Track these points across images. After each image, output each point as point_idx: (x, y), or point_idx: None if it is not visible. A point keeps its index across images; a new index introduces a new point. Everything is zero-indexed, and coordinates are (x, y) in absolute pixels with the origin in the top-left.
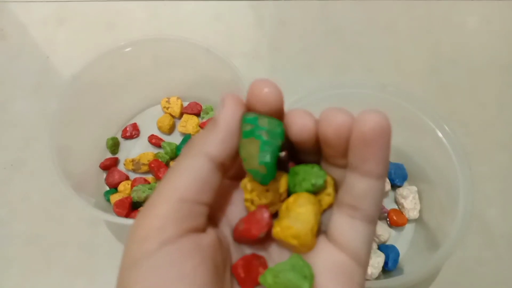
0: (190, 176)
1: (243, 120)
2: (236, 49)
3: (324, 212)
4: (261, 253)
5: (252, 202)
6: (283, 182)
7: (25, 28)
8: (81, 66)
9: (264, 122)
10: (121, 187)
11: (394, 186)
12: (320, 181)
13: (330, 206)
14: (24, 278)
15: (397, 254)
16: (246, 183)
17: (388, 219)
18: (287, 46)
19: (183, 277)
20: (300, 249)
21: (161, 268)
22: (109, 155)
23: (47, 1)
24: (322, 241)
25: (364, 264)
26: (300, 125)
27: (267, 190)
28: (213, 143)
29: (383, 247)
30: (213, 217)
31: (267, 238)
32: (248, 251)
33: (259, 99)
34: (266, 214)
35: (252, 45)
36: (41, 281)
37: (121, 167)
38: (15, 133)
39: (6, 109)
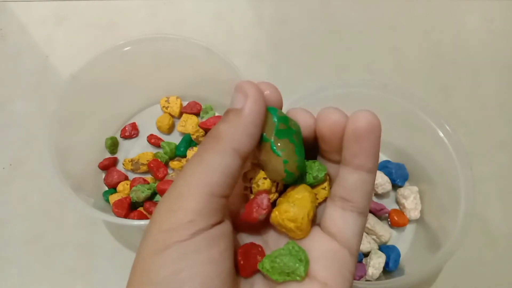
0: (221, 173)
1: (274, 117)
2: (236, 48)
3: (319, 205)
4: (259, 242)
5: (250, 190)
6: None
7: (25, 28)
8: (81, 66)
9: (292, 123)
10: (120, 187)
11: (395, 186)
12: (321, 174)
13: (325, 200)
14: (23, 278)
15: (398, 254)
16: (247, 173)
17: (389, 220)
18: (287, 45)
19: (211, 261)
20: (296, 233)
21: (190, 253)
22: (108, 155)
23: (46, 1)
24: (317, 231)
25: (355, 253)
26: (301, 123)
27: (265, 178)
28: (242, 139)
29: (384, 248)
30: None
31: (264, 227)
32: (246, 240)
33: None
34: (266, 199)
35: (252, 44)
36: (40, 281)
37: (120, 167)
38: (14, 133)
39: (5, 108)
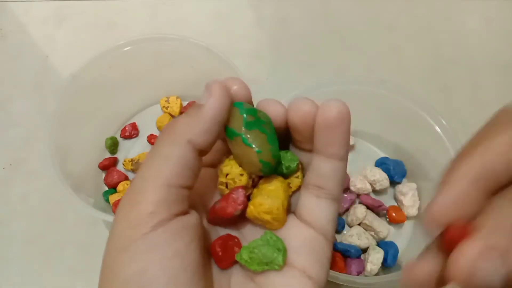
0: (176, 163)
1: (241, 110)
2: (236, 48)
3: (293, 194)
4: (235, 233)
5: (226, 185)
6: None
7: (25, 28)
8: (81, 66)
9: (261, 114)
10: (120, 187)
11: (393, 183)
12: (293, 165)
13: (299, 188)
14: (23, 278)
15: (396, 250)
16: (222, 167)
17: (387, 216)
18: (287, 45)
19: (176, 254)
20: (273, 224)
21: (155, 248)
22: (108, 155)
23: (46, 1)
24: (292, 219)
25: (331, 239)
26: (273, 113)
27: (241, 175)
28: (198, 132)
29: (382, 244)
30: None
31: (240, 220)
32: (222, 232)
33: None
34: (241, 194)
35: (252, 44)
36: (40, 281)
37: (120, 167)
38: (14, 132)
39: (5, 108)
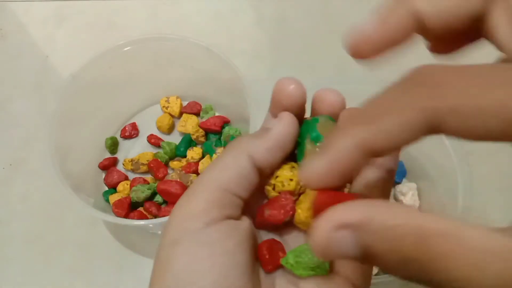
0: (233, 171)
1: (312, 129)
2: (236, 48)
3: None
4: (278, 239)
5: (274, 187)
6: None
7: (25, 28)
8: (81, 66)
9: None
10: (120, 187)
11: (393, 183)
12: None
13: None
14: (23, 278)
15: None
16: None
17: None
18: (288, 45)
19: (225, 253)
20: None
21: (206, 244)
22: (108, 155)
23: (46, 1)
24: None
25: None
26: (333, 104)
27: (291, 180)
28: (259, 148)
29: None
30: None
31: (284, 225)
32: (265, 237)
33: (285, 94)
34: (290, 200)
35: (252, 44)
36: (40, 281)
37: (120, 167)
38: (14, 132)
39: (6, 108)
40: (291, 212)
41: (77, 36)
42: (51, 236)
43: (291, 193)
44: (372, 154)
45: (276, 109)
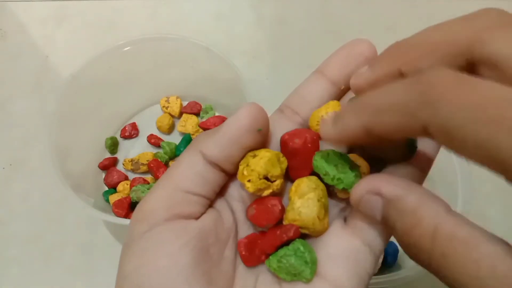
0: (186, 168)
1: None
2: (236, 48)
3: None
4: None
5: (249, 181)
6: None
7: (25, 28)
8: (80, 66)
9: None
10: (120, 187)
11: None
12: (350, 179)
13: None
14: (23, 278)
15: (396, 250)
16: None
17: None
18: (287, 45)
19: (169, 255)
20: (314, 235)
21: (150, 247)
22: (108, 155)
23: (46, 1)
24: (337, 225)
25: (377, 252)
26: None
27: (274, 180)
28: (210, 144)
29: None
30: (224, 194)
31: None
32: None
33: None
34: (277, 207)
35: (252, 44)
36: (40, 281)
37: (120, 167)
38: (14, 132)
39: (5, 108)
40: (274, 222)
41: (77, 36)
42: (51, 236)
43: (279, 198)
44: (374, 137)
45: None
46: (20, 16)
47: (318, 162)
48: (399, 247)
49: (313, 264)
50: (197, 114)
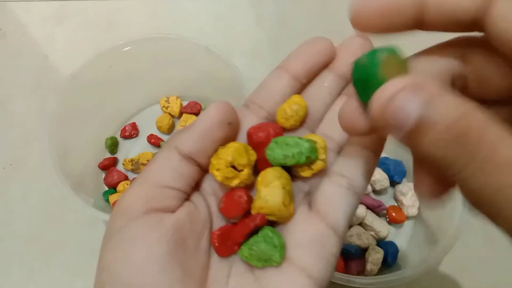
0: (159, 164)
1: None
2: (236, 48)
3: (314, 176)
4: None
5: (218, 169)
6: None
7: (25, 27)
8: (80, 65)
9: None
10: (120, 187)
11: (393, 183)
12: (314, 155)
13: (323, 172)
14: (23, 278)
15: (396, 250)
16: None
17: (387, 216)
18: (287, 45)
19: (146, 247)
20: (281, 221)
21: (128, 239)
22: (108, 155)
23: (46, 1)
24: (302, 212)
25: (341, 235)
26: None
27: (241, 169)
28: (184, 139)
29: (382, 244)
30: (199, 187)
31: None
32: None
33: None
34: (243, 198)
35: (252, 44)
36: (40, 281)
37: (120, 167)
38: (14, 132)
39: (5, 108)
40: (242, 212)
41: (77, 36)
42: (51, 236)
43: (246, 190)
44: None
45: None
46: (20, 16)
47: (271, 152)
48: (399, 247)
49: (281, 248)
50: (197, 114)
